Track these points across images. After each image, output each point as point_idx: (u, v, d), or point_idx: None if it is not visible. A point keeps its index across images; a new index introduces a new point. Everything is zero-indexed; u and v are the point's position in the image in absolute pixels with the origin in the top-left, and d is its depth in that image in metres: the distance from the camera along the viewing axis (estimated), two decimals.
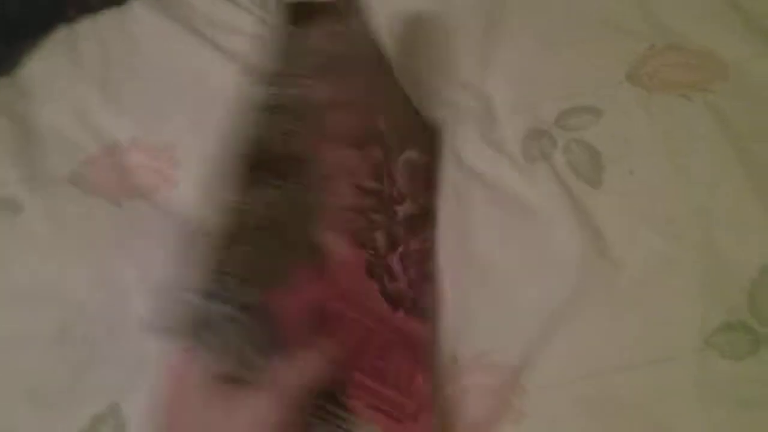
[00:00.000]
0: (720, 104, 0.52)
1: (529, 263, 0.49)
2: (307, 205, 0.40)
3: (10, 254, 0.54)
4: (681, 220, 0.48)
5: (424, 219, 0.50)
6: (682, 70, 0.55)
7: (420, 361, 0.42)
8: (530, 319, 0.46)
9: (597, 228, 0.49)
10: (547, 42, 0.59)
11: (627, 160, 0.51)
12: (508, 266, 0.49)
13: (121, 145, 0.59)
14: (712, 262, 0.46)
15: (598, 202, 0.50)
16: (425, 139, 0.54)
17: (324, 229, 0.41)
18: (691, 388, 0.43)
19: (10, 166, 0.59)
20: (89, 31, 0.68)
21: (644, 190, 0.50)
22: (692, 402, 0.42)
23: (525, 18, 0.61)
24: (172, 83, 0.62)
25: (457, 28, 0.61)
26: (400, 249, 0.45)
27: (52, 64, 0.67)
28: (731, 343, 0.44)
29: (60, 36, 0.68)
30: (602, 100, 0.54)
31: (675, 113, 0.53)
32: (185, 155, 0.56)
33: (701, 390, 0.42)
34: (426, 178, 0.52)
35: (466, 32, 0.61)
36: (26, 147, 0.60)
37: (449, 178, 0.53)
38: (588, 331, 0.45)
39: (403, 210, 0.47)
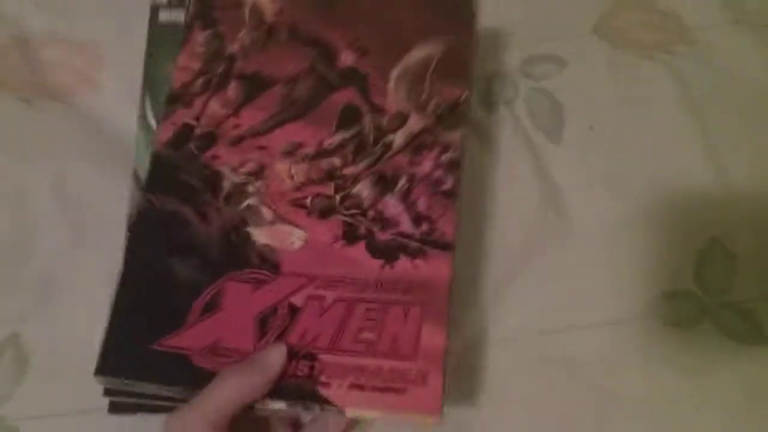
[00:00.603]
0: (682, 68, 0.53)
1: (491, 210, 0.48)
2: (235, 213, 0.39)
3: None
4: (635, 182, 0.49)
5: (447, 124, 0.43)
6: (647, 29, 0.55)
7: (429, 308, 0.38)
8: (488, 270, 0.46)
9: (555, 183, 0.49)
10: None
11: (588, 115, 0.51)
12: (472, 209, 0.48)
13: (36, 36, 0.51)
14: (662, 228, 0.47)
15: (557, 156, 0.50)
16: (447, 23, 0.46)
17: (264, 231, 0.38)
18: (634, 353, 0.44)
19: None
20: None
21: (602, 148, 0.50)
22: (635, 367, 0.44)
23: None
24: None
25: None
26: (401, 183, 0.40)
27: None
28: (676, 311, 0.45)
29: None
30: (567, 50, 0.54)
31: (637, 72, 0.53)
32: (110, 56, 0.50)
33: (644, 355, 0.44)
34: (449, 72, 0.44)
35: None
36: None
37: None
38: (537, 288, 0.46)
39: (402, 133, 0.42)
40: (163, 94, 0.43)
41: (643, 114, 0.52)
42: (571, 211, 0.48)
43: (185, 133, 0.40)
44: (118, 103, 0.49)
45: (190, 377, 0.34)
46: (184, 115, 0.41)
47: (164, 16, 0.48)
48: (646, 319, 0.45)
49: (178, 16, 0.47)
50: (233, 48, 0.43)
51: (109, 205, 0.45)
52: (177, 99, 0.41)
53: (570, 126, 0.51)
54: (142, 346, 0.35)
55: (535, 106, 0.52)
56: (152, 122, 0.46)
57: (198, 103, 0.41)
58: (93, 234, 0.45)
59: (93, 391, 0.36)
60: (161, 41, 0.48)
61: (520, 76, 0.52)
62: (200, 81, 0.42)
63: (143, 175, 0.41)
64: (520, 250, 0.47)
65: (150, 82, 0.47)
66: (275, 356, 0.34)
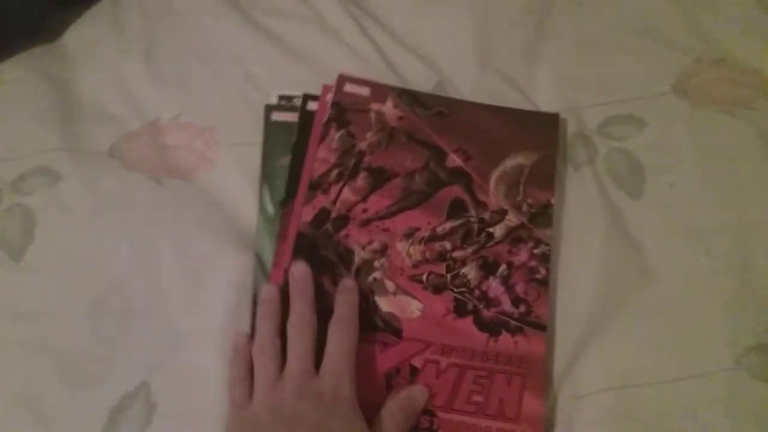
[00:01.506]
0: (763, 122, 0.54)
1: (567, 271, 0.49)
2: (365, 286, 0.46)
3: (45, 224, 0.51)
4: (718, 237, 0.50)
5: (539, 222, 0.50)
6: (727, 85, 0.57)
7: (529, 378, 0.44)
8: (567, 327, 0.47)
9: (635, 239, 0.50)
10: (593, 47, 0.60)
11: (668, 173, 0.53)
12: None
13: (162, 122, 0.57)
14: (746, 281, 0.48)
15: (637, 214, 0.51)
16: (535, 137, 0.53)
17: (388, 301, 0.46)
18: (719, 407, 0.44)
19: (49, 133, 0.55)
20: (133, 2, 0.63)
21: (684, 204, 0.51)
22: (720, 420, 0.43)
23: (572, 20, 0.61)
24: (215, 63, 0.60)
25: (504, 24, 0.61)
26: (501, 268, 0.48)
27: (94, 32, 0.62)
28: (762, 364, 0.45)
29: (103, 5, 0.64)
30: (646, 110, 0.55)
31: (718, 129, 0.54)
32: (224, 137, 0.55)
33: (729, 409, 0.43)
34: (538, 179, 0.51)
35: (513, 28, 0.61)
36: (66, 116, 0.57)
37: None
38: (620, 343, 0.46)
39: (502, 226, 0.49)
40: (277, 185, 0.51)
41: (724, 169, 0.52)
42: (654, 266, 0.49)
43: (323, 215, 0.49)
44: (232, 181, 0.53)
45: None
46: (322, 201, 0.49)
47: (276, 116, 0.55)
48: (732, 373, 0.44)
49: (287, 117, 0.54)
50: (362, 145, 0.52)
51: (224, 271, 0.48)
52: (317, 186, 0.50)
53: (651, 184, 0.52)
54: None
55: (615, 165, 0.53)
56: (270, 210, 0.50)
57: (334, 190, 0.50)
58: (210, 296, 0.48)
59: None
60: (274, 138, 0.53)
61: (601, 137, 0.54)
62: (335, 172, 0.50)
63: (264, 256, 0.48)
64: (605, 305, 0.48)
65: (266, 174, 0.52)
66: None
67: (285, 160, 0.52)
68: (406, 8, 0.63)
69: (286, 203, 0.50)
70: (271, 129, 0.54)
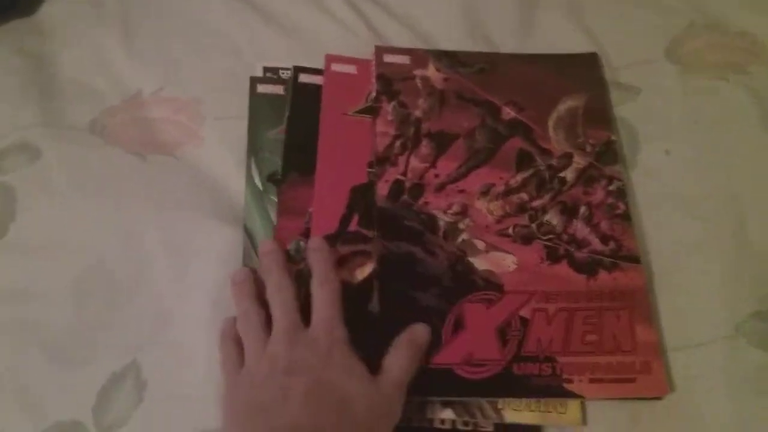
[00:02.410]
0: (757, 87, 0.54)
1: None
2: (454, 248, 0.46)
3: (26, 202, 0.49)
4: (714, 204, 0.50)
5: (605, 160, 0.50)
6: (720, 50, 0.57)
7: (636, 310, 0.45)
8: None
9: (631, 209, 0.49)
10: (584, 14, 0.59)
11: (663, 139, 0.52)
12: None
13: (144, 96, 0.55)
14: (743, 249, 0.48)
15: (632, 182, 0.51)
16: (580, 78, 0.54)
17: (482, 259, 0.45)
18: (720, 375, 0.44)
19: (27, 110, 0.53)
20: None
21: (679, 171, 0.51)
22: (720, 389, 0.43)
23: None
24: (196, 36, 0.58)
25: None
26: (582, 210, 0.48)
27: (71, 6, 0.59)
28: (761, 332, 0.45)
29: None
30: (640, 76, 0.55)
31: (712, 94, 0.54)
32: (209, 111, 0.54)
33: (730, 377, 0.43)
34: (594, 118, 0.52)
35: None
36: (45, 91, 0.54)
37: None
38: None
39: (571, 169, 0.49)
40: (265, 158, 0.50)
41: (719, 135, 0.52)
42: (648, 234, 0.48)
43: (398, 187, 0.48)
44: (218, 156, 0.52)
45: (456, 386, 0.41)
46: (393, 173, 0.48)
47: (261, 88, 0.54)
48: (732, 341, 0.44)
49: (273, 89, 0.54)
50: (417, 113, 0.51)
51: (213, 246, 0.48)
52: (384, 160, 0.49)
53: (646, 151, 0.52)
54: None
55: None
56: (258, 183, 0.50)
57: (401, 161, 0.49)
58: (198, 272, 0.47)
59: (205, 414, 0.41)
60: (261, 110, 0.52)
61: None
62: (398, 143, 0.50)
63: (254, 230, 0.48)
64: None
65: (253, 147, 0.51)
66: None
67: (272, 133, 0.51)
68: None
69: (283, 178, 0.49)
70: (256, 101, 0.53)
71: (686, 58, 0.56)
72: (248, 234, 0.48)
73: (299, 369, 0.38)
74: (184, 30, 0.58)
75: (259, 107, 0.53)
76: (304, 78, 0.53)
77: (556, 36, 0.58)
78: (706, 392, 0.43)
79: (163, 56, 0.56)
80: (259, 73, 0.54)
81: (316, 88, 0.52)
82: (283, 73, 0.54)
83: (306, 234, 0.47)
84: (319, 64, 0.54)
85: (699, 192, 0.50)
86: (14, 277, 0.47)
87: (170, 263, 0.47)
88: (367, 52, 0.54)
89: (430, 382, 0.41)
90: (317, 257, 0.44)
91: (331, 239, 0.46)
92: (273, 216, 0.48)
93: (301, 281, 0.44)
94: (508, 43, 0.58)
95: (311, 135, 0.50)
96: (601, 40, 0.57)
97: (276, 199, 0.49)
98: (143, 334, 0.45)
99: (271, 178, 0.50)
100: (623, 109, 0.54)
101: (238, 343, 0.42)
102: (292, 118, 0.51)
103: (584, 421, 0.42)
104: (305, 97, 0.52)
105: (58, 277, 0.46)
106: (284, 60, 0.55)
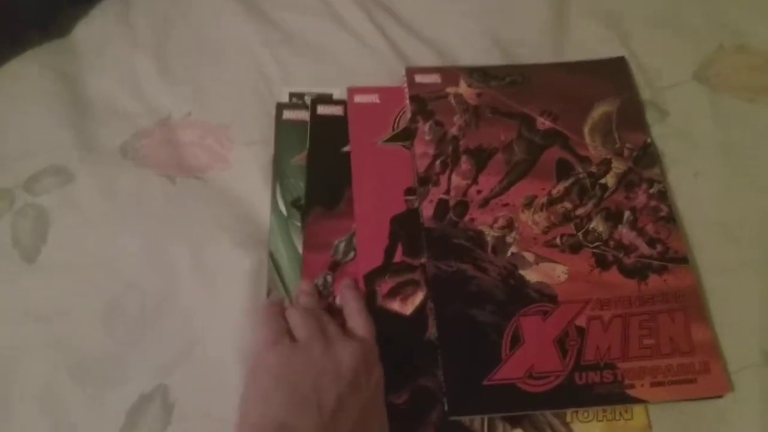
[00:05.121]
0: None
1: None
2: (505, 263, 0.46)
3: (59, 224, 0.50)
4: (743, 227, 0.50)
5: (644, 163, 0.51)
6: (748, 72, 0.57)
7: (689, 311, 0.45)
8: None
9: None
10: (614, 34, 0.59)
11: (691, 162, 0.52)
12: None
13: (174, 119, 0.56)
14: None
15: None
16: (611, 83, 0.54)
17: (533, 271, 0.46)
18: (756, 401, 0.44)
19: (61, 132, 0.54)
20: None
21: (708, 194, 0.51)
22: (755, 414, 0.44)
23: (591, 6, 0.61)
24: (226, 61, 0.59)
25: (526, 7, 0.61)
26: (626, 215, 0.49)
27: (104, 29, 0.61)
28: None
29: (111, 2, 0.62)
30: (668, 98, 0.55)
31: (740, 116, 0.54)
32: (237, 135, 0.55)
33: (764, 404, 0.44)
34: (628, 122, 0.52)
35: (536, 12, 0.61)
36: (78, 114, 0.56)
37: None
38: None
39: (611, 175, 0.50)
40: (289, 184, 0.51)
41: (748, 157, 0.52)
42: None
43: (443, 206, 0.48)
44: (245, 180, 0.53)
45: (521, 401, 0.42)
46: (437, 193, 0.49)
47: (287, 114, 0.55)
48: (761, 367, 0.45)
49: (299, 115, 0.54)
50: (453, 130, 0.52)
51: (239, 270, 0.48)
52: (426, 180, 0.50)
53: (674, 173, 0.51)
54: (478, 385, 0.42)
55: None
56: (282, 208, 0.51)
57: (443, 180, 0.50)
58: (225, 295, 0.48)
59: None
60: (286, 136, 0.54)
61: None
62: (438, 162, 0.50)
63: (277, 255, 0.49)
64: None
65: (278, 173, 0.52)
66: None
67: (297, 159, 0.52)
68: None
69: (307, 211, 0.50)
70: (282, 127, 0.54)
71: (714, 80, 0.56)
72: (272, 258, 0.49)
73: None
74: (214, 54, 0.59)
75: (284, 133, 0.54)
76: (322, 110, 0.54)
77: (583, 55, 0.57)
78: (738, 417, 0.43)
79: (192, 80, 0.58)
80: (285, 98, 0.55)
81: (336, 119, 0.53)
82: (308, 98, 0.55)
83: (332, 267, 0.48)
84: (347, 85, 0.54)
85: (731, 216, 0.50)
86: (46, 298, 0.48)
87: (198, 285, 0.48)
88: (393, 73, 0.55)
89: (494, 399, 0.42)
90: (349, 295, 0.45)
91: (379, 272, 0.47)
92: (296, 241, 0.49)
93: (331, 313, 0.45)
94: (528, 58, 0.57)
95: (332, 167, 0.51)
96: (629, 61, 0.57)
97: (299, 224, 0.50)
98: (172, 356, 0.46)
99: (295, 204, 0.50)
100: (651, 132, 0.53)
101: (285, 320, 0.43)
102: (312, 152, 0.52)
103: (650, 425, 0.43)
104: (324, 128, 0.53)
105: (89, 299, 0.47)
106: (312, 84, 0.56)
